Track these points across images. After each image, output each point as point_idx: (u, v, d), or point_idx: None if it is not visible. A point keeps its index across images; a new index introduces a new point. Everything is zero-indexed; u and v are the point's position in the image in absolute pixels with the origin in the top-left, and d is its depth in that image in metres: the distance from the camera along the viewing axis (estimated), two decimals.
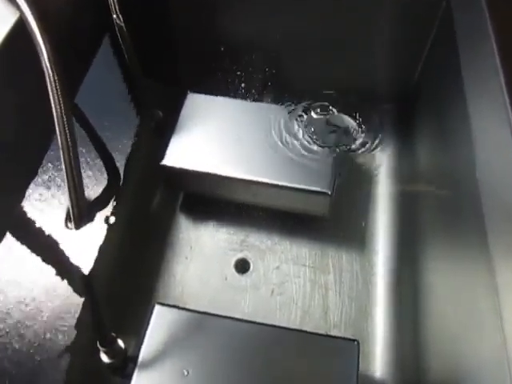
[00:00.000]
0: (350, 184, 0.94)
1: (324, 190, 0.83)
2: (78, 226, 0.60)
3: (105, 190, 0.78)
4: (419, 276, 0.77)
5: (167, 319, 0.72)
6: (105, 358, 0.67)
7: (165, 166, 0.89)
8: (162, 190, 0.96)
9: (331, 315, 0.84)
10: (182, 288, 0.87)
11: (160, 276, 0.88)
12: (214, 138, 0.92)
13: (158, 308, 0.72)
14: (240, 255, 0.90)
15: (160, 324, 0.70)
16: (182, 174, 0.89)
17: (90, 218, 0.67)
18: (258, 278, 0.87)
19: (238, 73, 0.95)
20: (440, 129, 0.80)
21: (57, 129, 0.53)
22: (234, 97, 0.95)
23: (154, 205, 0.95)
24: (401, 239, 0.88)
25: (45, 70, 0.54)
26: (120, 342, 0.68)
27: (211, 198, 0.93)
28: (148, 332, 0.68)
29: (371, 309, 0.84)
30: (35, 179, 0.69)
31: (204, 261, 0.89)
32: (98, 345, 0.65)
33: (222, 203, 0.93)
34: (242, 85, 0.96)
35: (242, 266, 0.89)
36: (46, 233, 0.71)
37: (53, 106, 0.53)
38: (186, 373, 0.65)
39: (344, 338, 0.74)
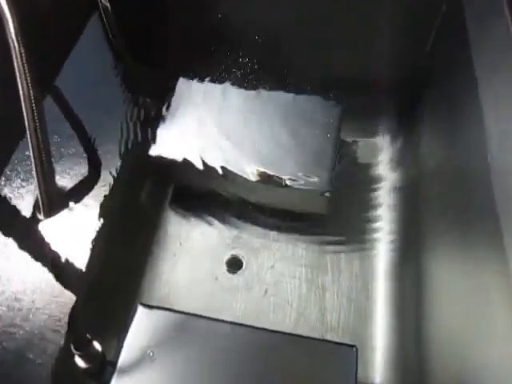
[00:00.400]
0: (351, 180, 0.91)
1: (322, 190, 0.79)
2: (46, 215, 0.55)
3: (83, 180, 0.71)
4: (423, 278, 0.74)
5: (150, 321, 0.67)
6: (80, 363, 0.62)
7: (152, 156, 0.83)
8: (150, 181, 0.92)
9: (328, 318, 0.80)
10: (169, 288, 0.83)
11: (145, 274, 0.84)
12: (206, 127, 0.87)
13: (140, 309, 0.67)
14: (232, 253, 0.86)
15: (142, 326, 0.66)
16: (171, 165, 0.84)
17: (62, 208, 0.60)
18: (250, 277, 0.84)
19: (234, 59, 0.91)
20: (449, 117, 0.74)
21: (23, 109, 0.47)
22: (230, 84, 0.91)
23: (141, 197, 0.91)
24: (403, 238, 0.85)
25: (10, 43, 0.48)
26: (97, 345, 0.63)
27: (202, 192, 0.88)
28: (129, 335, 0.64)
29: (371, 312, 0.80)
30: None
31: (193, 258, 0.85)
32: (72, 348, 0.59)
33: (214, 197, 0.88)
34: (239, 72, 0.91)
35: (235, 265, 0.85)
36: (20, 225, 0.65)
37: (19, 83, 0.48)
38: (169, 380, 0.59)
39: (341, 344, 0.68)
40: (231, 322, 0.68)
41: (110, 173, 0.85)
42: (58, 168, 0.74)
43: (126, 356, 0.63)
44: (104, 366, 0.63)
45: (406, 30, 0.88)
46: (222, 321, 0.67)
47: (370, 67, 0.94)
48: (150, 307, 0.68)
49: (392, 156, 0.95)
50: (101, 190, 0.82)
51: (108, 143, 0.87)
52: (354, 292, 0.82)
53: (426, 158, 0.84)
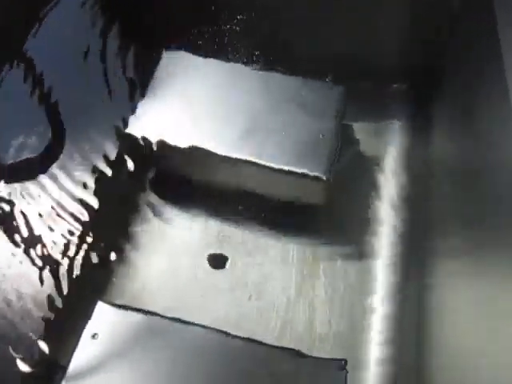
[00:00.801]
0: (352, 171, 0.82)
1: (319, 175, 0.72)
2: None
3: (45, 150, 0.63)
4: (428, 287, 0.70)
5: (111, 321, 0.59)
6: (23, 367, 0.53)
7: (130, 136, 0.75)
8: (128, 164, 0.84)
9: (317, 327, 0.73)
10: (143, 283, 0.75)
11: (117, 267, 0.76)
12: (192, 105, 0.78)
13: (100, 307, 0.60)
14: (216, 248, 0.79)
15: (101, 327, 0.59)
16: (150, 146, 0.76)
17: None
18: (234, 276, 0.77)
19: (226, 33, 0.83)
20: (467, 106, 0.66)
21: None
22: (220, 60, 0.81)
23: (117, 181, 0.82)
24: (408, 242, 0.78)
25: None
26: (43, 347, 0.54)
27: (185, 178, 0.81)
28: (84, 335, 0.54)
29: (366, 323, 0.73)
30: None
31: (171, 252, 0.78)
32: (11, 350, 0.50)
33: (199, 185, 0.81)
34: (229, 47, 0.83)
35: (217, 262, 0.78)
36: None
37: None
38: None
39: (329, 359, 0.59)
40: (203, 326, 0.61)
41: (83, 151, 0.77)
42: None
43: (78, 359, 0.55)
44: (52, 370, 0.54)
45: (421, 11, 0.81)
46: (193, 324, 0.60)
47: (381, 48, 0.87)
48: (112, 305, 0.60)
49: (400, 149, 0.88)
50: (73, 166, 0.72)
51: (84, 118, 0.79)
52: (348, 301, 0.75)
53: (439, 154, 0.78)
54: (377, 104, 0.89)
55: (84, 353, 0.56)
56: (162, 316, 0.61)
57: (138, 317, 0.60)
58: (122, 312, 0.60)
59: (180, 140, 0.75)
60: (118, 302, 0.66)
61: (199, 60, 0.82)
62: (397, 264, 0.78)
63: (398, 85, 0.90)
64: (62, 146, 0.71)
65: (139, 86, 0.79)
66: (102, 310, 0.59)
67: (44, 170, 0.69)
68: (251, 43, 0.83)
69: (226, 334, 0.60)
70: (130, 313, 0.60)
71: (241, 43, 0.83)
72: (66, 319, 0.65)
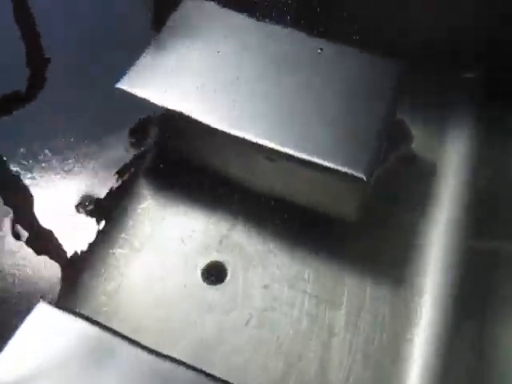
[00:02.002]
0: (399, 175, 0.70)
1: (357, 175, 0.59)
2: None
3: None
4: (486, 333, 0.60)
5: (49, 325, 0.50)
6: None
7: (121, 91, 0.63)
8: (123, 134, 0.74)
9: (332, 377, 0.59)
10: (119, 287, 0.65)
11: (92, 263, 0.67)
12: (203, 67, 0.66)
13: (40, 308, 0.51)
14: (215, 256, 0.68)
15: (36, 331, 0.50)
16: (147, 112, 0.68)
17: None
18: (233, 294, 0.66)
19: None
20: None
21: None
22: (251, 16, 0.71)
23: (107, 156, 0.73)
24: (463, 272, 0.66)
25: None
26: None
27: (187, 163, 0.71)
28: (15, 337, 0.49)
29: (400, 376, 0.60)
30: None
31: (161, 254, 0.69)
32: None
33: (202, 173, 0.71)
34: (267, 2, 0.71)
35: (215, 273, 0.67)
36: None
37: None
38: None
39: None
40: (171, 358, 0.48)
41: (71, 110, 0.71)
42: None
43: (4, 363, 0.48)
44: None
45: None
46: (154, 351, 0.48)
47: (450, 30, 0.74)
48: (56, 307, 0.51)
49: (464, 153, 0.74)
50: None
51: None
52: (375, 345, 0.61)
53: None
54: (438, 95, 0.77)
55: (10, 357, 0.48)
56: (116, 332, 0.50)
57: (81, 326, 0.51)
58: (66, 317, 0.51)
59: (181, 111, 0.63)
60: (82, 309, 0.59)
61: (226, 13, 0.71)
62: (446, 298, 0.65)
63: (466, 74, 0.79)
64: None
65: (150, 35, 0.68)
66: (42, 311, 0.50)
67: None
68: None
69: (198, 371, 0.48)
70: (74, 320, 0.52)
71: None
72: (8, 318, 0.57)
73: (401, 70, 0.65)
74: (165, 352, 0.50)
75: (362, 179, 0.58)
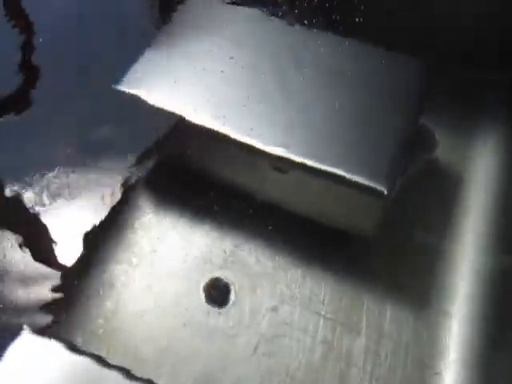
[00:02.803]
0: (422, 187, 0.64)
1: (377, 187, 0.53)
2: None
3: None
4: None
5: (34, 356, 0.45)
6: None
7: (120, 92, 0.58)
8: (123, 142, 0.69)
9: None
10: (116, 308, 0.59)
11: (87, 282, 0.60)
12: (213, 65, 0.60)
13: (23, 336, 0.46)
14: (218, 275, 0.61)
15: (19, 360, 0.45)
16: (149, 114, 0.59)
17: None
18: (238, 317, 0.59)
19: None
20: None
21: None
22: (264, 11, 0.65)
23: (105, 166, 0.67)
24: (493, 290, 0.58)
25: None
26: None
27: (191, 171, 0.65)
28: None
29: None
30: None
31: (160, 273, 0.61)
32: None
33: (208, 185, 0.64)
34: None
35: (219, 293, 0.61)
36: None
37: None
38: None
39: None
40: None
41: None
42: None
43: None
44: None
45: None
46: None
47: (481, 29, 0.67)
48: (40, 336, 0.46)
49: (495, 164, 0.67)
50: None
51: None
52: (399, 376, 0.54)
53: None
54: (466, 99, 0.70)
55: None
56: (104, 361, 0.45)
57: (67, 354, 0.46)
58: (51, 347, 0.46)
59: (186, 114, 0.57)
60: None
61: (235, 9, 0.64)
62: (478, 323, 0.57)
63: (497, 76, 0.71)
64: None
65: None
66: (25, 341, 0.46)
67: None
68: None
69: None
70: (58, 348, 0.46)
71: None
72: None
73: (427, 69, 0.59)
74: None
75: (383, 193, 0.52)
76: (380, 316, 0.58)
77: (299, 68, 0.59)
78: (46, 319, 0.55)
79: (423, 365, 0.55)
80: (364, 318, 0.58)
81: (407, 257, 0.63)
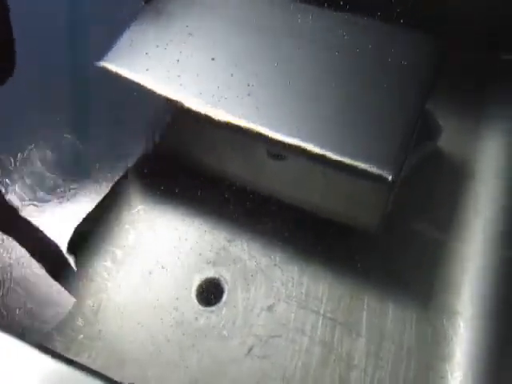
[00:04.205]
0: (427, 175, 0.60)
1: (382, 173, 0.47)
2: None
3: None
4: None
5: (4, 363, 0.39)
6: None
7: (104, 70, 0.53)
8: (105, 127, 0.63)
9: None
10: (99, 309, 0.55)
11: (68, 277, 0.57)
12: (204, 42, 0.55)
13: None
14: (210, 272, 0.58)
15: None
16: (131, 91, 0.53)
17: None
18: (231, 317, 0.55)
19: None
20: None
21: None
22: None
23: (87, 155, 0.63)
24: (502, 287, 0.54)
25: None
26: None
27: (181, 163, 0.61)
28: None
29: None
30: None
31: (147, 270, 0.58)
32: None
33: (198, 175, 0.60)
34: None
35: (210, 292, 0.57)
36: None
37: None
38: None
39: None
40: None
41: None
42: None
43: None
44: None
45: None
46: None
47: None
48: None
49: (501, 152, 0.63)
50: None
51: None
52: (401, 379, 0.50)
53: None
54: (474, 81, 0.65)
55: None
56: (86, 368, 0.39)
57: (44, 360, 0.39)
58: (23, 350, 0.39)
59: (173, 95, 0.52)
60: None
61: None
62: (480, 322, 0.54)
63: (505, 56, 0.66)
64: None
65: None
66: None
67: None
68: None
69: None
70: (33, 353, 0.39)
71: None
72: None
73: (441, 47, 0.53)
74: None
75: (387, 179, 0.46)
76: (382, 315, 0.54)
77: (299, 46, 0.53)
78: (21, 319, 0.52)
79: (428, 367, 0.50)
80: (364, 316, 0.54)
81: (410, 250, 0.58)
